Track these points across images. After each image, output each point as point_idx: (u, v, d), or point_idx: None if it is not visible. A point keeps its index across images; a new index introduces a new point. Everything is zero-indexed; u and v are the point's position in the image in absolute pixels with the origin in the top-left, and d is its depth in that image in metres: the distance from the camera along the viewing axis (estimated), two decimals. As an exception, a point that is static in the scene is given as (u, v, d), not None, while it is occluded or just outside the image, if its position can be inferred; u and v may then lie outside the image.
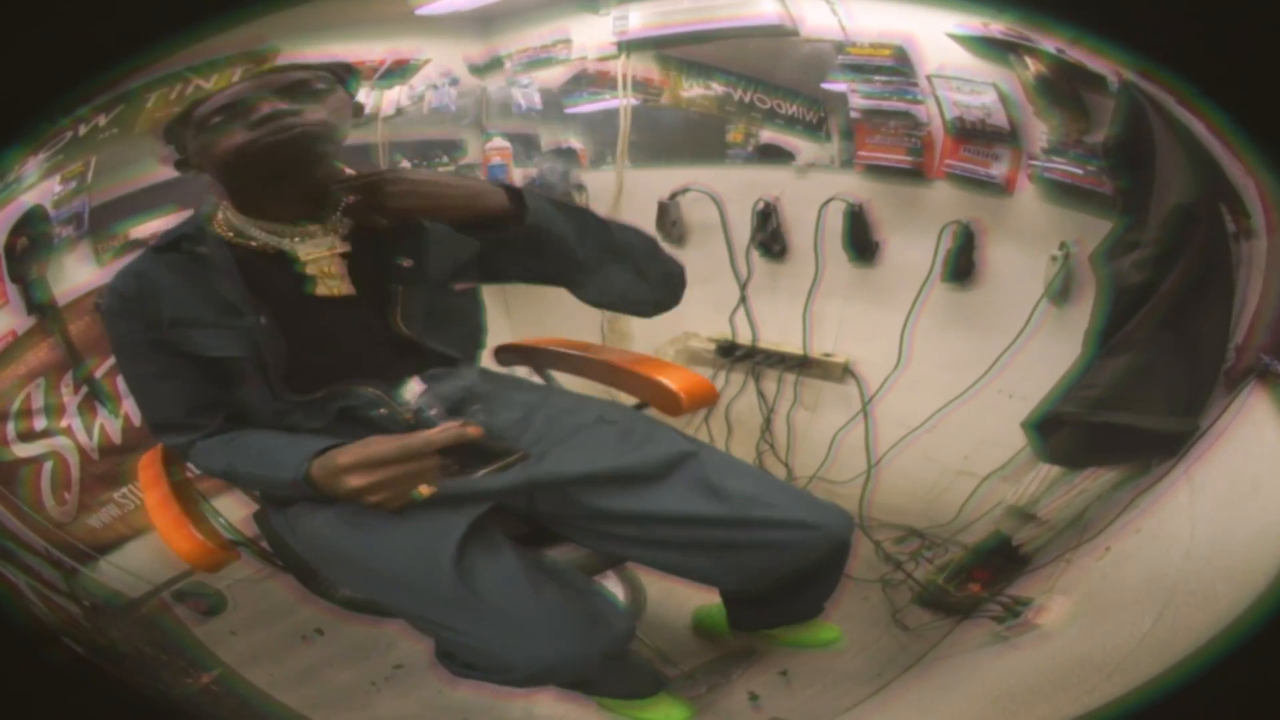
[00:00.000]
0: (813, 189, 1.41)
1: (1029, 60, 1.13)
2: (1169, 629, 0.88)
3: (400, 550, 0.96)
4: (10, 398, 1.39)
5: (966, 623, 1.18)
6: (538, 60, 1.53)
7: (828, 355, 1.48)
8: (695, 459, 1.03)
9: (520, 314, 1.44)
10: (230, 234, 1.04)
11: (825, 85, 1.39)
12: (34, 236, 1.33)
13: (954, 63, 1.22)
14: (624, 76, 1.50)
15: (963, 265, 1.31)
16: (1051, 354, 1.21)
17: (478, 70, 1.52)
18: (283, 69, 1.00)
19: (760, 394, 1.56)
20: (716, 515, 1.00)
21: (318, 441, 0.97)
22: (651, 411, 1.22)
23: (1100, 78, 1.11)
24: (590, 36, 1.49)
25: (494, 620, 0.92)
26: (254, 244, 1.03)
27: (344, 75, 1.03)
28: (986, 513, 1.28)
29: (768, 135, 1.48)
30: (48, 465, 1.42)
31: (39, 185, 1.36)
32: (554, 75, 1.54)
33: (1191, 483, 1.04)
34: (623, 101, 1.51)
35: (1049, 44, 1.12)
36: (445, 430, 0.91)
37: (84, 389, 1.43)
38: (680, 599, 1.32)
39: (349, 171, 1.05)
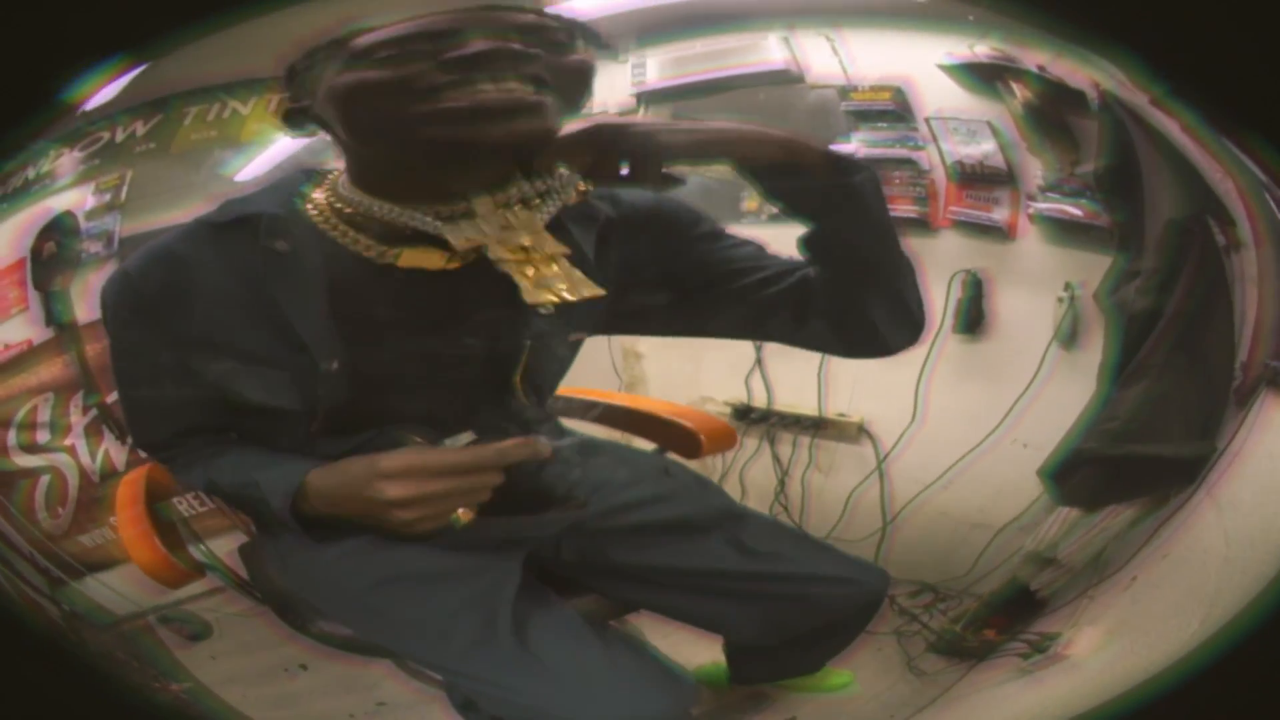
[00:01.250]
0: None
1: (1015, 86, 1.19)
2: (1219, 620, 0.85)
3: (443, 599, 0.84)
4: (17, 407, 1.38)
5: (985, 664, 1.13)
6: (562, 112, 1.54)
7: (842, 415, 1.48)
8: (741, 519, 1.04)
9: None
10: (333, 220, 0.80)
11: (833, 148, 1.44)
12: (62, 245, 1.36)
13: (949, 102, 1.28)
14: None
15: (973, 315, 1.33)
16: (1063, 399, 1.23)
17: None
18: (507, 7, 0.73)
19: (775, 457, 1.55)
20: (752, 570, 0.98)
21: (305, 462, 0.82)
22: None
23: (1081, 95, 1.15)
24: (612, 86, 1.39)
25: (560, 678, 0.81)
26: (366, 246, 0.79)
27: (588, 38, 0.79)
28: (1003, 562, 1.25)
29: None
30: (45, 479, 1.40)
31: (73, 189, 1.34)
32: (577, 128, 1.55)
33: (1217, 502, 1.03)
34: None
35: (1030, 61, 1.18)
36: (520, 445, 0.78)
37: (93, 412, 1.38)
38: (687, 654, 1.27)
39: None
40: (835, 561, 1.06)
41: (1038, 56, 1.17)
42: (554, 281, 0.74)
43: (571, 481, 0.95)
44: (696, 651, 1.21)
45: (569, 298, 0.75)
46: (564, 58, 0.74)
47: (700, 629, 1.06)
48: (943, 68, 1.24)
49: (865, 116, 1.32)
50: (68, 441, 1.40)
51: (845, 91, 1.33)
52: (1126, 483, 1.16)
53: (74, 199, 1.36)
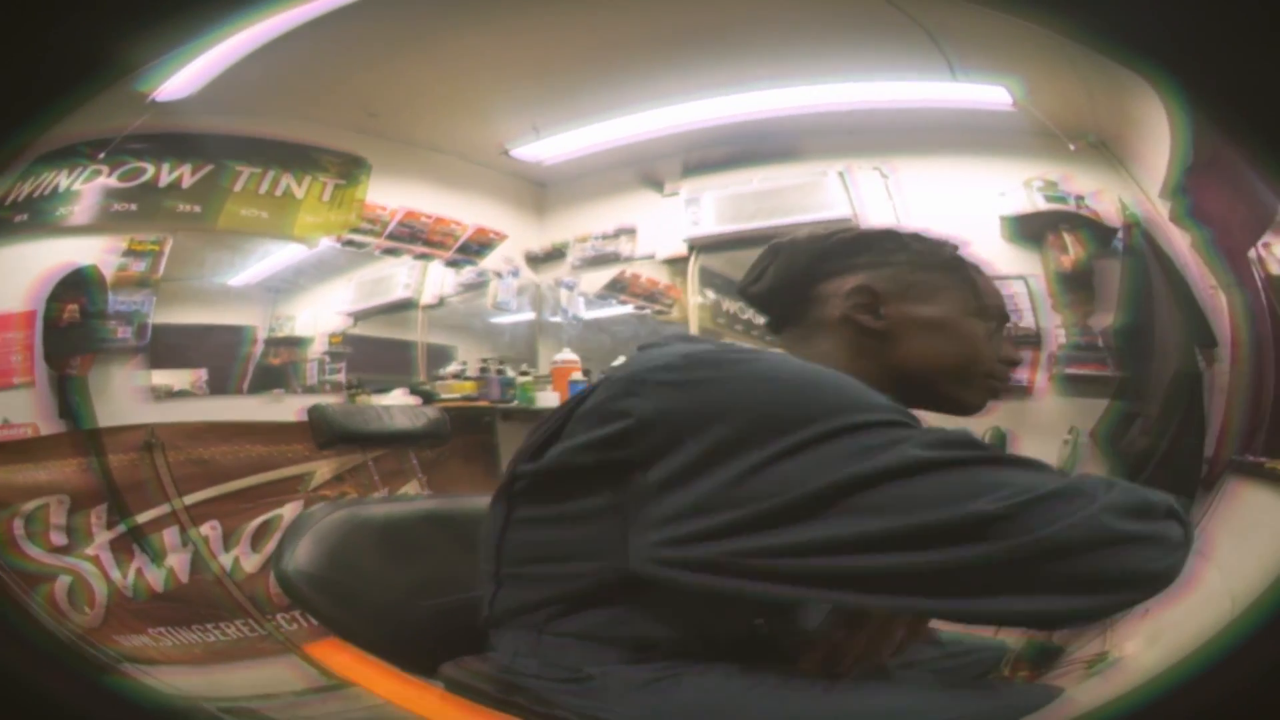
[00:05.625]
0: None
1: (1064, 237, 1.39)
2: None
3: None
4: (22, 498, 1.20)
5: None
6: (602, 255, 1.46)
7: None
8: None
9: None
10: None
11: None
12: (85, 315, 1.18)
13: (995, 257, 1.45)
14: (693, 280, 1.54)
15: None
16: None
17: (535, 261, 1.47)
18: None
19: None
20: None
21: None
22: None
23: (1111, 234, 1.37)
24: (658, 226, 1.48)
25: None
26: None
27: None
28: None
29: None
30: (65, 580, 1.24)
31: (102, 235, 1.23)
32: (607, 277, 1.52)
33: (1205, 556, 1.28)
34: (694, 302, 1.54)
35: (1070, 191, 1.38)
36: None
37: (119, 528, 1.26)
38: None
39: None
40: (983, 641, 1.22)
41: (1080, 185, 1.36)
42: None
43: None
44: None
45: None
46: None
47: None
48: (1004, 219, 1.46)
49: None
50: (90, 552, 1.26)
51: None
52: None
53: (101, 250, 1.21)
